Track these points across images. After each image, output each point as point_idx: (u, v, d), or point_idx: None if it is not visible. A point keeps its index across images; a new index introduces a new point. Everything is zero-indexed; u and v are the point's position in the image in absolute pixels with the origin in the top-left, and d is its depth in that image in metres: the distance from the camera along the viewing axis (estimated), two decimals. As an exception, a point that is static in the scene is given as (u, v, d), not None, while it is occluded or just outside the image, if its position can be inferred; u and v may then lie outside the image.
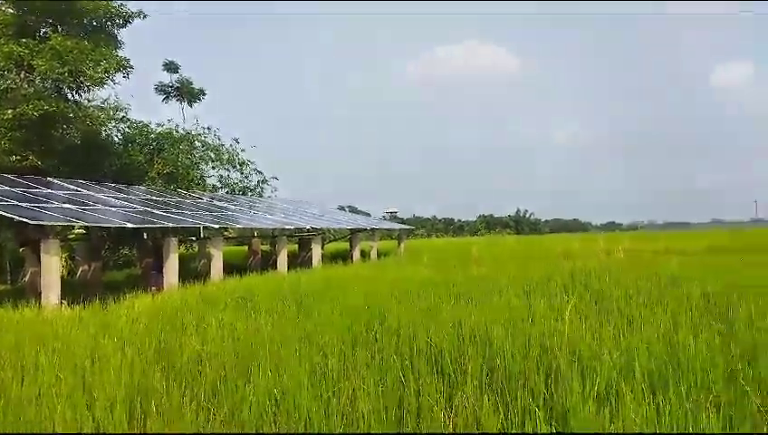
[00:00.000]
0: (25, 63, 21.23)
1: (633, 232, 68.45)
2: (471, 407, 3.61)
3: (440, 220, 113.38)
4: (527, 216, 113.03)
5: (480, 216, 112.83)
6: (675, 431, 3.16)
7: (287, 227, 22.70)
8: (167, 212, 18.43)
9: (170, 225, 16.40)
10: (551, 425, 3.40)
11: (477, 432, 3.43)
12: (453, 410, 3.77)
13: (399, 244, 31.53)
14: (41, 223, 12.34)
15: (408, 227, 44.18)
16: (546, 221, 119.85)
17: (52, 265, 12.01)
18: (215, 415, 3.92)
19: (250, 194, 33.55)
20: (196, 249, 25.55)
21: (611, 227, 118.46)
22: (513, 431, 3.42)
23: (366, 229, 29.19)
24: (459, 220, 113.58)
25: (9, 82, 21.03)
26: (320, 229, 24.92)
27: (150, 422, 3.70)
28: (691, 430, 3.14)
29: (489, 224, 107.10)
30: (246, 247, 26.32)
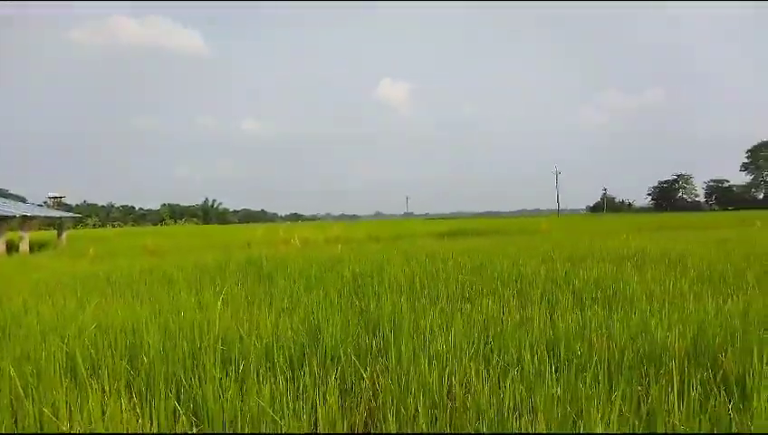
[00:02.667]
0: None
1: (312, 222, 74.53)
2: (102, 408, 3.26)
3: (118, 208, 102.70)
4: (215, 205, 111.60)
5: (165, 204, 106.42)
6: (307, 408, 3.45)
7: None
8: None
9: None
10: (189, 417, 3.33)
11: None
12: (83, 416, 3.36)
13: (60, 234, 27.32)
14: None
15: (74, 214, 38.61)
16: (235, 211, 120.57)
17: None
18: None
19: None
20: None
21: (295, 217, 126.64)
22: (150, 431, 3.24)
23: (14, 216, 24.30)
24: (141, 208, 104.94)
25: None
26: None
27: None
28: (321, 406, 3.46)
29: (175, 213, 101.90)
30: None
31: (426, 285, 7.37)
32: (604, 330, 4.68)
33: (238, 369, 3.87)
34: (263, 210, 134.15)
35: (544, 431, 2.99)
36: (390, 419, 3.16)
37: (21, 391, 3.65)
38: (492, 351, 4.26)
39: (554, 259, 10.15)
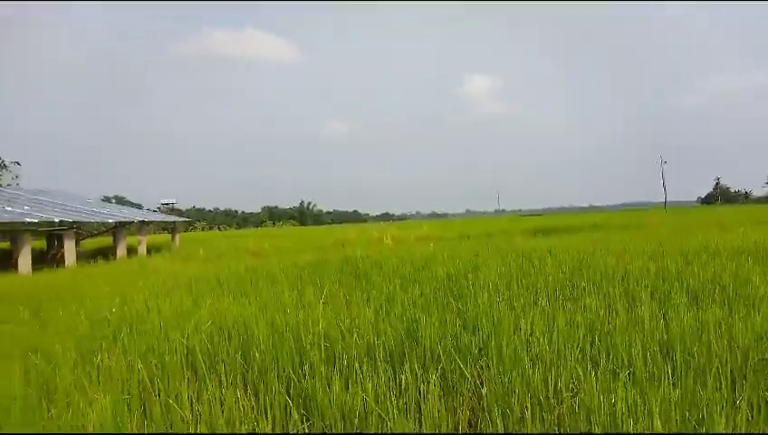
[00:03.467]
0: None
1: (403, 222, 75.12)
2: (218, 400, 3.51)
3: (223, 212, 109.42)
4: (310, 207, 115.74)
5: (264, 207, 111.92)
6: (409, 403, 3.50)
7: (30, 220, 19.47)
8: None
9: None
10: (299, 409, 3.49)
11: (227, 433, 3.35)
12: (200, 407, 3.63)
13: (173, 237, 29.54)
14: None
15: (185, 219, 41.62)
16: (328, 212, 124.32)
17: None
18: None
19: (-19, 182, 27.95)
20: None
21: (386, 217, 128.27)
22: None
23: (133, 222, 26.64)
24: (243, 212, 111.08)
25: None
26: (75, 223, 21.94)
27: None
28: (422, 401, 3.50)
29: (273, 215, 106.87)
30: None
31: (523, 283, 7.20)
32: (724, 331, 4.33)
33: (342, 365, 4.00)
34: (355, 211, 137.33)
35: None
36: (498, 419, 3.13)
37: (148, 382, 4.00)
38: (599, 352, 4.09)
39: (664, 255, 9.51)
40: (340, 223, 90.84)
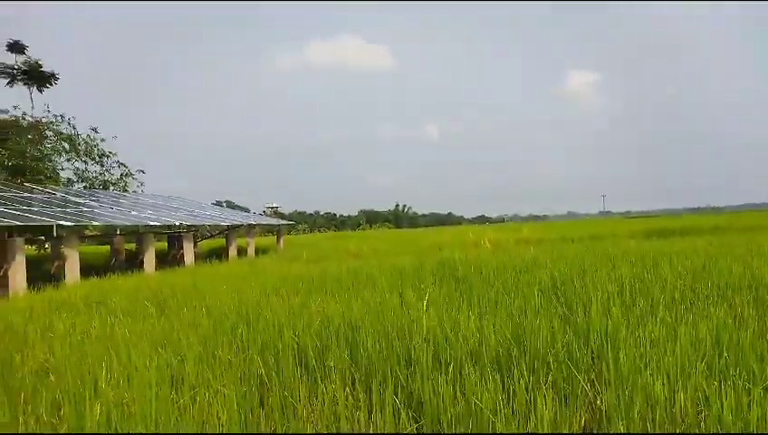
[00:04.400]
0: None
1: (500, 224, 73.51)
2: (331, 399, 3.65)
3: (322, 215, 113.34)
4: (405, 210, 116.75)
5: (361, 211, 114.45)
6: (518, 409, 3.44)
7: (155, 223, 21.32)
8: (11, 209, 16.48)
9: (16, 223, 14.68)
10: (407, 410, 3.53)
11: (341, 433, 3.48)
12: (315, 404, 3.79)
13: (279, 240, 31.02)
14: None
15: (288, 222, 43.56)
16: (423, 215, 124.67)
17: None
18: (56, 429, 3.60)
19: (112, 188, 31.03)
20: (47, 250, 23.16)
21: (482, 219, 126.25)
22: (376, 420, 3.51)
23: (243, 225, 28.32)
24: (341, 215, 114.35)
25: None
26: (192, 226, 23.72)
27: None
28: (532, 410, 3.43)
29: (370, 218, 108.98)
30: (106, 246, 24.36)
31: (637, 290, 6.79)
32: None
33: (447, 368, 4.01)
34: (449, 213, 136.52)
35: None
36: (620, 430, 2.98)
37: (265, 377, 4.24)
38: (727, 367, 3.77)
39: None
40: (435, 226, 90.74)
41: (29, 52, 29.77)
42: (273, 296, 8.24)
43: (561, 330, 4.67)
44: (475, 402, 3.28)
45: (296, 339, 4.98)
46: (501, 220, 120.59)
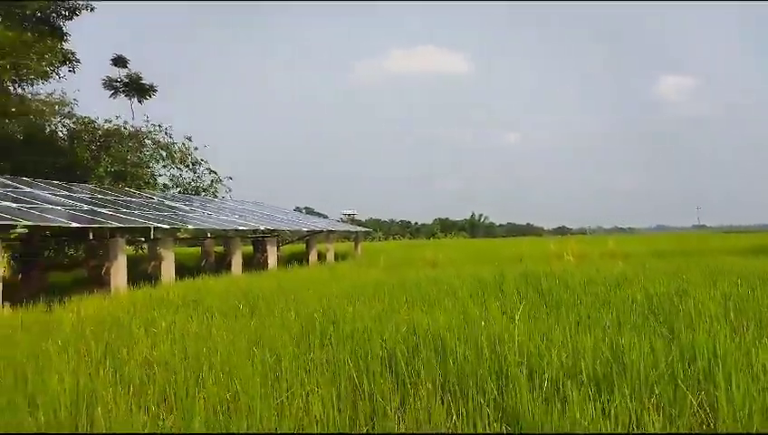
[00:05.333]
0: (-38, 54, 20.19)
1: (582, 236, 70.77)
2: (424, 408, 3.65)
3: (397, 223, 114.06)
4: (481, 220, 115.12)
5: (436, 219, 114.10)
6: (620, 431, 3.29)
7: (241, 227, 22.32)
8: (115, 212, 17.83)
9: (118, 225, 15.87)
10: (501, 424, 3.48)
11: (432, 433, 3.48)
12: (405, 411, 3.81)
13: (356, 246, 31.53)
14: (-22, 222, 11.73)
15: (365, 229, 44.22)
16: (500, 225, 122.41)
17: (-11, 267, 11.41)
18: (164, 421, 3.83)
19: (203, 194, 32.83)
20: (144, 250, 24.83)
21: (562, 231, 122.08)
22: (466, 432, 3.48)
23: (323, 231, 29.04)
24: (416, 223, 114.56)
25: (-55, 72, 19.93)
26: (275, 231, 24.62)
27: (96, 429, 3.58)
28: (635, 430, 3.28)
29: (445, 227, 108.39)
30: (196, 248, 25.76)
31: (743, 309, 6.32)
32: None
33: (542, 382, 3.90)
34: (528, 224, 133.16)
35: None
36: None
37: (356, 380, 4.32)
38: None
39: None
40: (513, 236, 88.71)
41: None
42: (356, 301, 8.38)
43: (663, 349, 4.43)
44: (575, 420, 3.18)
45: (384, 344, 5.04)
46: (582, 232, 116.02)
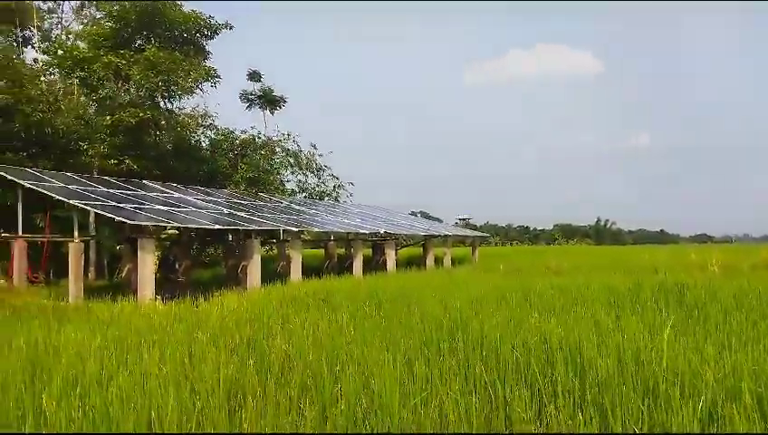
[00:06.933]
0: (122, 73, 22.91)
1: (727, 245, 63.80)
2: (564, 422, 3.50)
3: (515, 228, 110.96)
4: (608, 225, 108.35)
5: (556, 224, 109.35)
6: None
7: (362, 231, 23.02)
8: (250, 215, 19.23)
9: (254, 227, 17.09)
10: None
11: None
12: (542, 425, 3.69)
13: (474, 251, 31.17)
14: (138, 223, 13.24)
15: (482, 234, 43.58)
16: (629, 232, 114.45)
17: (148, 263, 12.85)
18: (304, 415, 4.01)
19: (326, 198, 34.33)
20: (274, 251, 26.49)
21: (702, 238, 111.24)
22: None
23: (439, 235, 29.08)
24: (535, 229, 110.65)
25: (107, 90, 22.71)
26: (394, 234, 25.08)
27: (246, 414, 3.87)
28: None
29: (566, 233, 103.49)
30: (319, 250, 26.97)
31: None
32: None
33: (696, 404, 3.57)
34: (661, 230, 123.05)
35: None
36: None
37: (490, 388, 4.24)
38: None
39: None
40: (644, 244, 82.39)
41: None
42: (479, 307, 8.26)
43: None
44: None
45: (515, 352, 4.91)
46: (727, 240, 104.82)
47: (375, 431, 3.52)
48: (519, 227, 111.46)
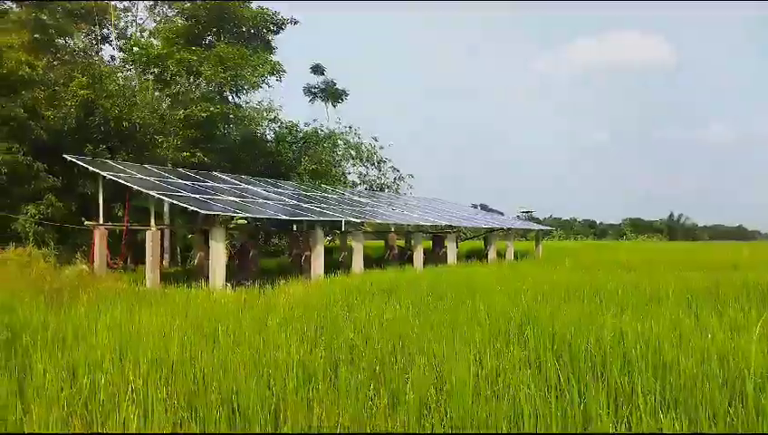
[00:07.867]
0: (194, 69, 23.81)
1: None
2: (646, 422, 3.36)
3: (581, 222, 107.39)
4: (681, 220, 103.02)
5: (626, 219, 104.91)
6: None
7: (423, 223, 22.96)
8: (313, 206, 19.60)
9: (317, 218, 17.40)
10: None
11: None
12: (620, 424, 3.56)
13: (537, 245, 30.43)
14: (211, 213, 13.78)
15: (546, 227, 42.54)
16: (705, 227, 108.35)
17: (219, 251, 13.36)
18: (375, 403, 4.05)
19: (387, 191, 34.49)
20: (336, 242, 26.91)
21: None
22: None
23: (502, 229, 28.59)
24: (602, 223, 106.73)
25: (179, 86, 23.67)
26: (455, 227, 24.88)
27: (319, 395, 3.96)
28: None
29: (637, 228, 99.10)
30: (380, 242, 27.14)
31: None
32: None
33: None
34: (739, 226, 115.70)
35: None
36: None
37: (563, 383, 4.14)
38: None
39: None
40: (721, 240, 77.77)
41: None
42: (547, 302, 8.07)
43: None
44: None
45: (588, 348, 4.77)
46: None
47: (448, 418, 3.51)
48: (584, 220, 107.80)
